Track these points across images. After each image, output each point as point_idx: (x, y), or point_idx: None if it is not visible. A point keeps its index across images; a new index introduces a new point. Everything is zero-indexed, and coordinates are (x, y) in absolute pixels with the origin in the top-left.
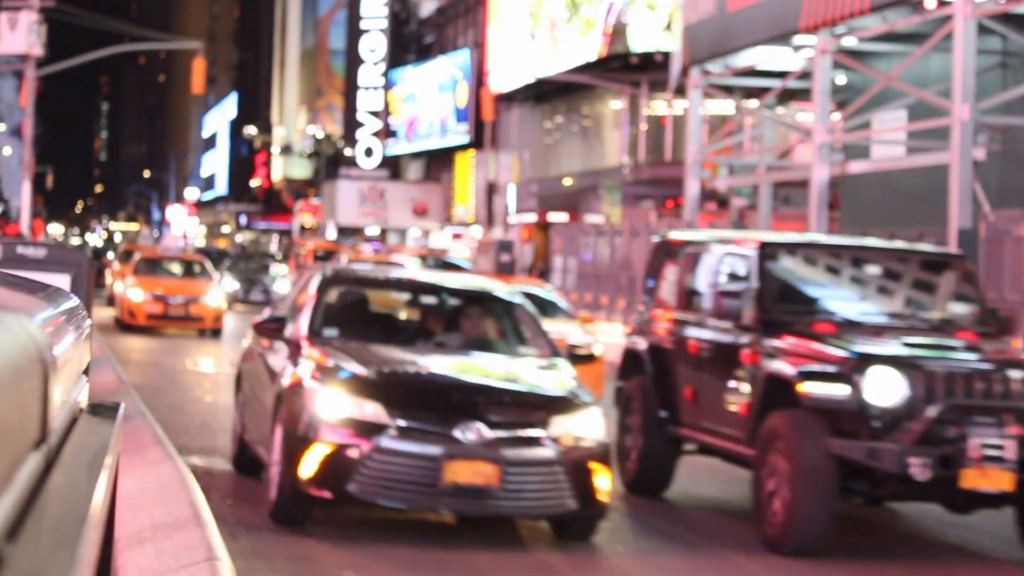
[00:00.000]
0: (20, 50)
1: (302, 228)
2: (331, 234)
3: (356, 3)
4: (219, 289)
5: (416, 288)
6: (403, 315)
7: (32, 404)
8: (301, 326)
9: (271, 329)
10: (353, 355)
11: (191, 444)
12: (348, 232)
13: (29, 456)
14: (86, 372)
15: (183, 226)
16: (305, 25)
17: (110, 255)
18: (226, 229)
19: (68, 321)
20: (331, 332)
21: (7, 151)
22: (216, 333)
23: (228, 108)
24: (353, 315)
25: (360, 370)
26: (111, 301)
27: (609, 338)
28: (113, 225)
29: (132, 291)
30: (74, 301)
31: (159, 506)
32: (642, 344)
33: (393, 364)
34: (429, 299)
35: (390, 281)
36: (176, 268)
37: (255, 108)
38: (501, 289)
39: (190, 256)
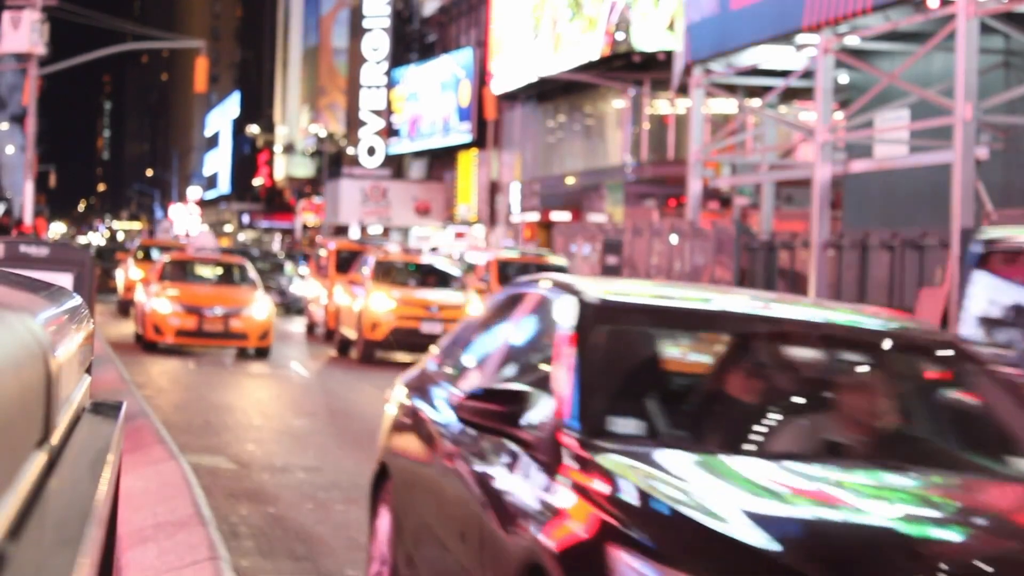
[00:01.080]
0: (23, 49)
1: (304, 227)
2: (354, 233)
3: (359, 2)
4: (266, 299)
5: (767, 329)
6: (695, 367)
7: (34, 403)
8: (565, 413)
9: (493, 415)
10: (698, 484)
11: (193, 443)
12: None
13: (32, 455)
14: (88, 370)
15: (186, 224)
16: (308, 24)
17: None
18: (228, 228)
19: (71, 320)
20: (624, 425)
21: (9, 150)
22: (262, 353)
23: (231, 107)
24: (646, 385)
25: (733, 525)
26: (124, 309)
27: None
28: (116, 224)
29: (158, 301)
30: (76, 300)
31: (161, 505)
32: None
33: (798, 509)
34: (779, 348)
35: (716, 318)
36: (211, 272)
37: (258, 107)
38: (942, 333)
39: (229, 258)
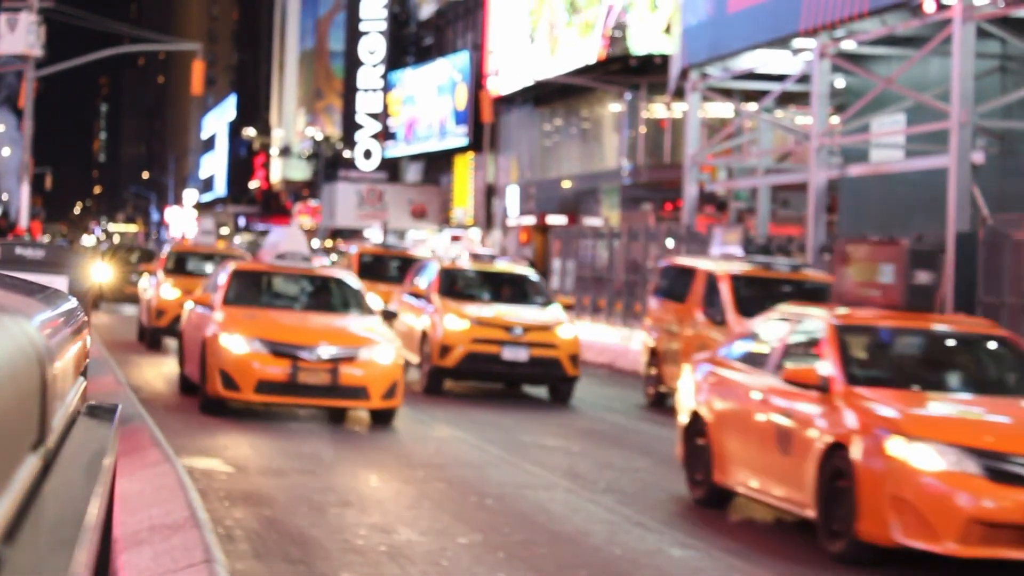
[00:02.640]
0: (19, 51)
1: (301, 228)
2: (376, 236)
3: (355, 5)
4: (389, 334)
5: None
6: None
7: (30, 406)
8: None
9: None
10: None
11: (189, 446)
12: (394, 233)
13: (27, 458)
14: (84, 373)
15: (183, 227)
16: (304, 27)
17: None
18: (224, 231)
19: (66, 323)
20: None
21: (5, 151)
22: (384, 419)
23: (227, 109)
24: None
25: None
26: (152, 339)
27: (624, 343)
28: (112, 226)
29: (230, 338)
30: (72, 303)
31: (157, 507)
32: None
33: None
34: None
35: None
36: (300, 292)
37: (254, 110)
38: None
39: (324, 270)
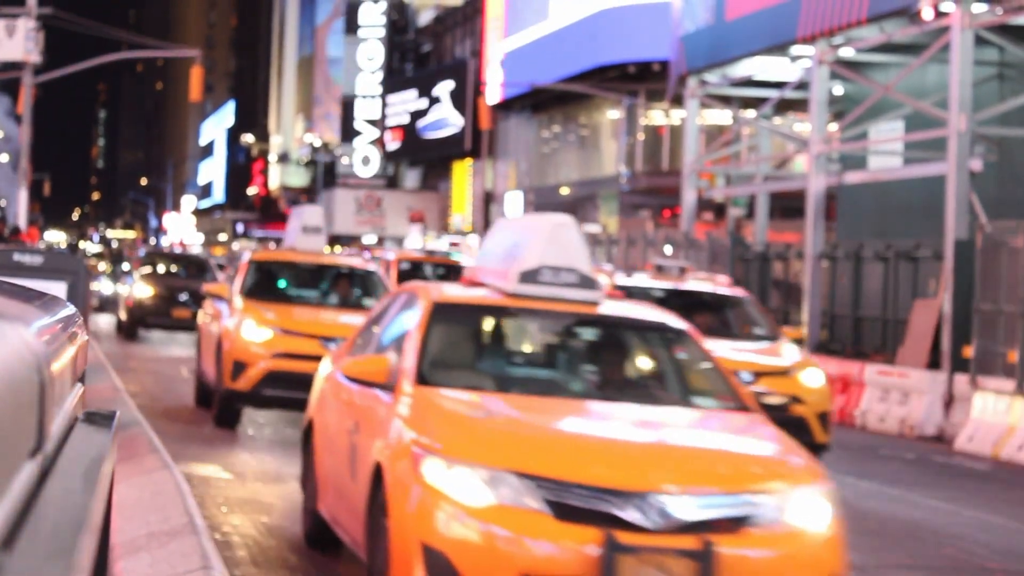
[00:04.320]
0: (17, 57)
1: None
2: (414, 242)
3: (354, 11)
4: (801, 453)
5: None
6: None
7: (28, 412)
8: None
9: None
10: None
11: (186, 452)
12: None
13: (25, 464)
14: (82, 380)
15: (180, 233)
16: (303, 33)
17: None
18: (222, 237)
19: (64, 329)
20: None
21: (3, 157)
22: None
23: (225, 116)
24: None
25: None
26: (215, 406)
27: None
28: (110, 232)
29: (445, 473)
30: (70, 309)
31: (154, 514)
32: None
33: None
34: None
35: None
36: (580, 355)
37: (252, 116)
38: None
39: (631, 311)
